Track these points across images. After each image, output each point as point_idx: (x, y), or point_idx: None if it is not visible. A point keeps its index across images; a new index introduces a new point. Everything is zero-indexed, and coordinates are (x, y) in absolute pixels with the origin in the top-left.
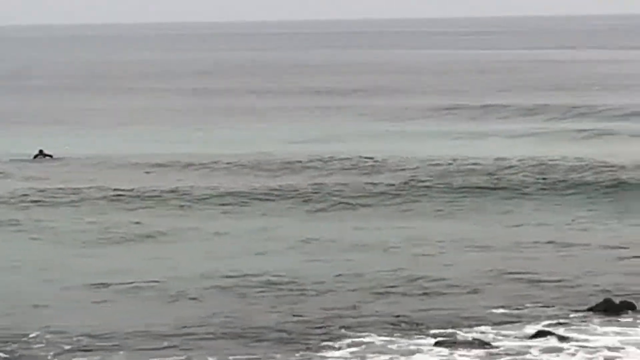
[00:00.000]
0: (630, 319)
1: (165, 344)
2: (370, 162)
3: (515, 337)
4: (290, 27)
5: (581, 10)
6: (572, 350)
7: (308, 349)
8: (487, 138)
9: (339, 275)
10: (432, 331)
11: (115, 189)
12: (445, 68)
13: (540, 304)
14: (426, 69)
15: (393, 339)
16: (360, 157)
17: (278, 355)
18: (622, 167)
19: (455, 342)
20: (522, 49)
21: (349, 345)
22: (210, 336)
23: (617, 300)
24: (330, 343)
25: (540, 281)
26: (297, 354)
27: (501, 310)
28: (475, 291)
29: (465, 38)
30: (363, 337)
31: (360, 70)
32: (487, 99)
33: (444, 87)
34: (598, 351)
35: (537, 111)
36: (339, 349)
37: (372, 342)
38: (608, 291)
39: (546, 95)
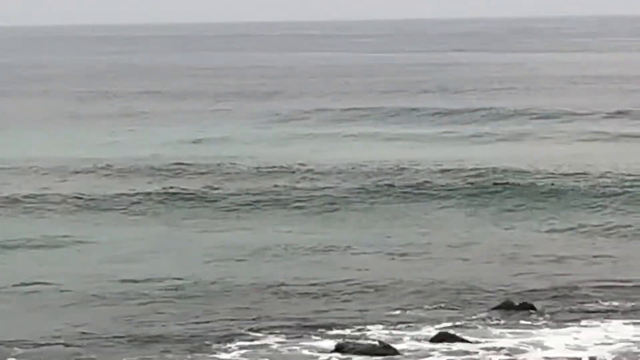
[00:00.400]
0: (530, 320)
1: (59, 348)
2: (256, 166)
3: (416, 339)
4: (160, 30)
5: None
6: (473, 351)
7: (199, 350)
8: (370, 140)
9: (239, 277)
10: (332, 332)
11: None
12: (321, 71)
13: (441, 306)
14: (304, 72)
15: (289, 340)
16: (254, 161)
17: (169, 356)
18: (505, 170)
19: (355, 345)
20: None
21: (241, 348)
22: (102, 340)
23: (516, 301)
24: (223, 345)
25: (440, 283)
26: (188, 356)
27: (401, 313)
28: (376, 294)
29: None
30: (259, 339)
31: (238, 74)
32: (354, 101)
33: (314, 89)
34: (499, 352)
35: (404, 114)
36: (231, 350)
37: (268, 344)
38: (507, 292)
39: (421, 98)
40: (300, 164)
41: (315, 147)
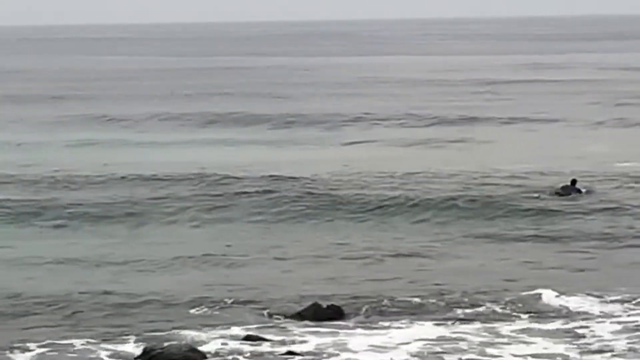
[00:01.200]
0: (337, 323)
1: None
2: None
3: (224, 342)
4: None
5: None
6: (279, 353)
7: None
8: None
9: (47, 286)
10: (140, 337)
11: None
12: (113, 75)
13: (249, 308)
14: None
15: (94, 344)
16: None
17: None
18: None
19: (162, 349)
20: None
21: (38, 347)
22: None
23: (324, 305)
24: (23, 345)
25: (249, 285)
26: None
27: (210, 315)
28: (185, 298)
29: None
30: (66, 338)
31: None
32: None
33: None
34: (304, 353)
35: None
36: (31, 350)
37: (73, 345)
38: (316, 295)
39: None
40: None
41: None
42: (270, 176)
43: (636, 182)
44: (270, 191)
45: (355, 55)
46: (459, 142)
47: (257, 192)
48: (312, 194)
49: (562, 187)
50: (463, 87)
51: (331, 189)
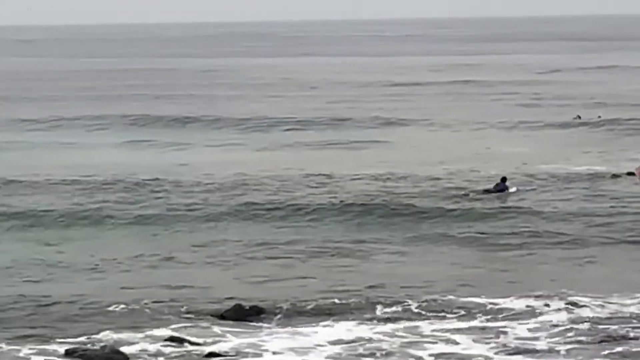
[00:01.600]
0: (259, 324)
1: None
2: None
3: (147, 343)
4: None
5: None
6: (200, 353)
7: None
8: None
9: None
10: (64, 338)
11: None
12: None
13: (173, 309)
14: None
15: (19, 344)
16: None
17: None
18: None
19: (85, 351)
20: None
21: None
22: None
23: (247, 306)
24: None
25: (172, 286)
26: None
27: (133, 316)
28: (109, 300)
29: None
30: None
31: None
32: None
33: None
34: (225, 353)
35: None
36: None
37: None
38: (238, 297)
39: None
40: None
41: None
42: (191, 179)
43: (559, 183)
44: (191, 192)
45: (275, 56)
46: (380, 144)
47: (178, 193)
48: (236, 195)
49: (495, 185)
50: (385, 89)
51: (255, 191)
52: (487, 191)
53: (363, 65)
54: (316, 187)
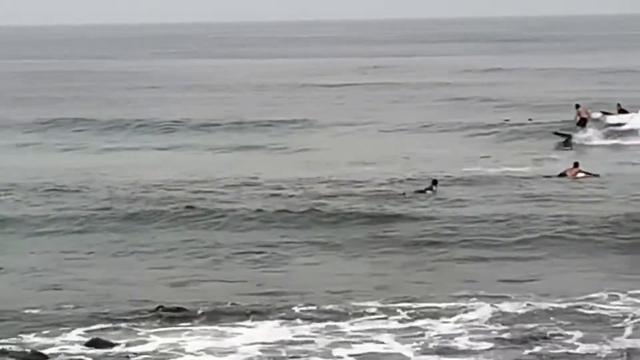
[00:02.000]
0: (181, 324)
1: None
2: None
3: (67, 346)
4: None
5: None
6: (123, 355)
7: None
8: None
9: None
10: None
11: None
12: None
13: (94, 311)
14: None
15: None
16: None
17: None
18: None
19: (5, 353)
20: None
21: None
22: None
23: (169, 307)
24: None
25: (91, 290)
26: None
27: (56, 319)
28: (23, 303)
29: None
30: None
31: None
32: None
33: None
34: (147, 355)
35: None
36: None
37: None
38: (161, 298)
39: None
40: None
41: None
42: (104, 182)
43: (484, 185)
44: (107, 195)
45: (200, 57)
46: (301, 146)
47: (96, 196)
48: (155, 198)
49: (425, 188)
50: (303, 91)
51: (174, 194)
52: (419, 192)
53: (286, 67)
54: (237, 191)
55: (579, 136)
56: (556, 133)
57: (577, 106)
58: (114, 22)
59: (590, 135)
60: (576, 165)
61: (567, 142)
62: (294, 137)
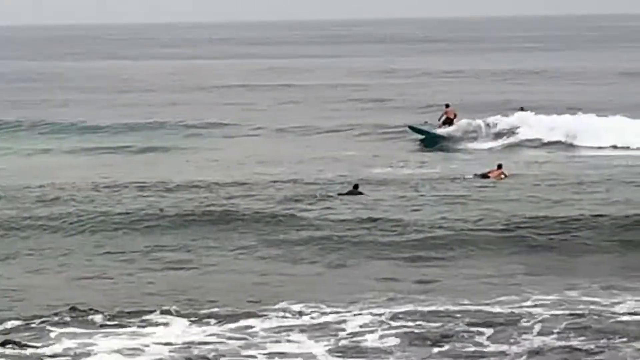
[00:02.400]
0: (94, 325)
1: None
2: None
3: None
4: None
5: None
6: (35, 356)
7: None
8: None
9: None
10: None
11: None
12: None
13: (7, 314)
14: None
15: None
16: None
17: None
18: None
19: None
20: None
21: None
22: None
23: (81, 308)
24: None
25: (8, 291)
26: None
27: None
28: None
29: None
30: None
31: None
32: None
33: None
34: (59, 356)
35: None
36: None
37: None
38: (72, 300)
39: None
40: None
41: None
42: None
43: (397, 187)
44: (14, 198)
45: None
46: (208, 149)
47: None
48: (64, 201)
49: (347, 192)
50: (198, 94)
51: (80, 198)
52: (341, 194)
53: (191, 68)
54: (149, 193)
55: (440, 131)
56: (411, 128)
57: (447, 106)
58: (22, 23)
59: (455, 134)
60: (500, 167)
61: (426, 141)
62: (202, 139)
